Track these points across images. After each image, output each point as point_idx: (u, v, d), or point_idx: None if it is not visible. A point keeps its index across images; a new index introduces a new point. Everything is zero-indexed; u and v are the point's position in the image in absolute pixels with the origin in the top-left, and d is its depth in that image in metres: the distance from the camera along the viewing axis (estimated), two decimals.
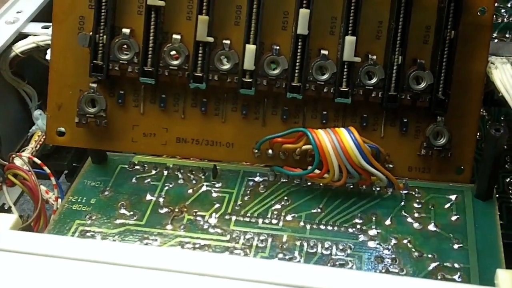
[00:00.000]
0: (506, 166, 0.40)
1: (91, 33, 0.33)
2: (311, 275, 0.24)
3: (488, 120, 0.41)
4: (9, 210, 0.36)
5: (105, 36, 0.32)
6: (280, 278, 0.24)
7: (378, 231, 0.32)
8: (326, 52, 0.32)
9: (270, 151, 0.34)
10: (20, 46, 0.39)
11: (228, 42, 0.32)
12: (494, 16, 0.42)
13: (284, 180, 0.35)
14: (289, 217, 0.33)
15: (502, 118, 0.41)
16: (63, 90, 0.34)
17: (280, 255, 0.31)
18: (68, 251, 0.25)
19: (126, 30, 0.32)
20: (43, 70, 0.39)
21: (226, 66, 0.33)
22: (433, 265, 0.30)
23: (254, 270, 0.24)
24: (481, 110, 0.41)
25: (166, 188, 0.35)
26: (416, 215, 0.33)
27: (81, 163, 0.38)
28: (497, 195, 0.36)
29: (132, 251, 0.26)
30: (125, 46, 0.33)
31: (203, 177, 0.36)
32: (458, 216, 0.33)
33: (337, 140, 0.32)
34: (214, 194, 0.35)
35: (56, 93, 0.34)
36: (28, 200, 0.49)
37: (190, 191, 0.35)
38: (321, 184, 0.34)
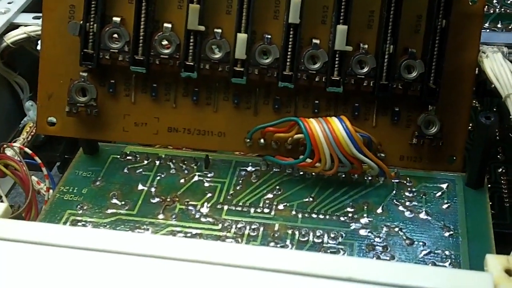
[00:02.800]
0: (498, 156, 0.40)
1: (81, 21, 0.32)
2: (302, 260, 0.24)
3: (481, 110, 0.42)
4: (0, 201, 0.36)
5: (95, 25, 0.32)
6: (270, 264, 0.24)
7: (370, 219, 0.32)
8: (317, 41, 0.32)
9: (262, 141, 0.34)
10: (11, 37, 0.39)
11: (219, 31, 0.32)
12: (486, 6, 0.42)
13: (276, 170, 0.35)
14: (281, 206, 0.33)
15: (494, 109, 0.42)
16: (54, 79, 0.34)
17: (272, 244, 0.31)
18: (59, 239, 0.25)
19: (116, 19, 0.32)
20: (35, 61, 0.39)
21: (218, 55, 0.33)
22: (424, 252, 0.30)
23: (245, 256, 0.24)
24: (474, 101, 0.41)
25: (158, 178, 0.35)
26: (407, 203, 0.33)
27: (73, 155, 0.38)
28: (489, 185, 0.37)
29: (123, 239, 0.26)
30: (115, 35, 0.32)
31: (195, 167, 0.36)
32: (449, 204, 0.33)
33: (328, 129, 0.32)
34: (206, 184, 0.35)
35: (46, 82, 0.34)
36: (21, 193, 0.49)
37: (182, 180, 0.35)
38: (313, 173, 0.34)
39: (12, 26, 0.39)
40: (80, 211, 0.33)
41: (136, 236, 0.29)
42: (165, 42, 0.32)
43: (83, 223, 0.32)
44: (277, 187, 0.34)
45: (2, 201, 0.36)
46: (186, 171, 0.35)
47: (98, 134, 0.34)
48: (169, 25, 0.32)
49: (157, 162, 0.36)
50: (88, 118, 0.34)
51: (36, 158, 0.36)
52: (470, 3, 0.33)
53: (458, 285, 0.21)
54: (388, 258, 0.30)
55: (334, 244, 0.31)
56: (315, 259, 0.24)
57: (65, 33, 0.33)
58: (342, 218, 0.32)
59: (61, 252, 0.25)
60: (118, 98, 0.34)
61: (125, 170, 0.36)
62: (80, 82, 0.33)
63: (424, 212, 0.32)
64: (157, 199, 0.34)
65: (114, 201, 0.34)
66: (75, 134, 0.34)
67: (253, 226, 0.32)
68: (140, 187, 0.34)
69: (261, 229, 0.32)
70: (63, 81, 0.34)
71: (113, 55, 0.32)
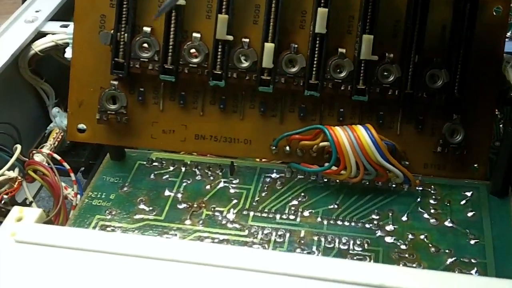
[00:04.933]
0: None
1: (112, 31, 0.33)
2: (329, 267, 0.24)
3: (501, 119, 0.42)
4: (29, 206, 0.37)
5: (126, 35, 0.33)
6: (298, 270, 0.24)
7: (395, 226, 0.32)
8: (343, 51, 0.33)
9: (287, 148, 0.34)
10: (39, 45, 0.39)
11: (247, 40, 0.33)
12: None
13: (300, 177, 0.36)
14: (306, 213, 0.33)
15: None
16: (84, 87, 0.34)
17: (298, 250, 0.31)
18: (93, 244, 0.26)
19: (147, 29, 0.33)
20: (61, 69, 0.40)
21: (245, 64, 0.33)
22: (450, 260, 0.30)
23: (273, 262, 0.25)
24: None
25: (184, 184, 0.36)
26: (432, 211, 0.33)
27: (97, 160, 0.39)
28: None
29: (154, 244, 0.26)
30: (145, 44, 0.33)
31: (220, 173, 0.36)
32: (474, 212, 0.33)
33: (354, 137, 0.32)
34: (232, 190, 0.35)
35: (77, 90, 0.35)
36: (43, 198, 0.50)
37: (208, 187, 0.35)
38: (337, 180, 0.35)
39: (40, 34, 0.40)
40: (109, 216, 0.34)
41: (164, 241, 0.29)
42: (193, 51, 0.33)
43: (112, 228, 0.33)
44: (302, 194, 0.35)
45: (32, 206, 0.36)
46: (211, 178, 0.36)
47: (127, 141, 0.35)
48: (198, 35, 0.33)
49: (183, 169, 0.37)
50: (117, 125, 0.34)
51: (65, 164, 0.36)
52: (494, 14, 0.33)
53: None
54: (414, 265, 0.30)
55: (360, 251, 0.31)
56: (346, 266, 0.24)
57: (95, 42, 0.34)
58: (367, 225, 0.32)
59: (95, 257, 0.25)
60: (147, 106, 0.35)
61: (152, 176, 0.36)
62: (111, 90, 0.34)
63: (449, 220, 0.33)
64: (184, 205, 0.34)
65: (142, 206, 0.34)
66: (105, 141, 0.35)
67: (279, 233, 0.32)
68: (167, 193, 0.35)
69: (287, 235, 0.32)
70: (93, 89, 0.34)
71: (143, 64, 0.33)
